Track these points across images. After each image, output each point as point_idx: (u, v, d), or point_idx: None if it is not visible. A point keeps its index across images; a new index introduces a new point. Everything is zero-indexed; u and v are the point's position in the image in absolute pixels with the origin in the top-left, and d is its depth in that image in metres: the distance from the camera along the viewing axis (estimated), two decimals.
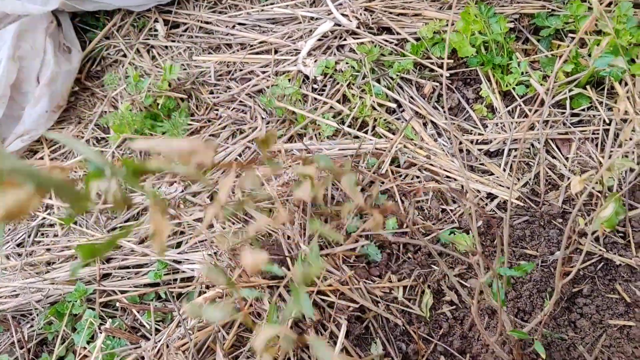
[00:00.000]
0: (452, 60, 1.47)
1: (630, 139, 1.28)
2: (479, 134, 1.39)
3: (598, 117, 1.31)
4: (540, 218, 1.26)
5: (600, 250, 1.19)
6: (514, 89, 1.36)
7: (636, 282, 1.16)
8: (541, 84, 1.34)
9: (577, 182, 1.15)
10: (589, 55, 1.32)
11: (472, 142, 1.39)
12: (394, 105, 1.46)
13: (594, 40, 1.30)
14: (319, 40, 1.58)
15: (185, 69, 1.65)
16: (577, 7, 1.33)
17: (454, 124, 1.41)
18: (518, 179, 1.32)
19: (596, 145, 1.30)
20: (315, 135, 1.45)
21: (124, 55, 1.76)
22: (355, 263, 1.23)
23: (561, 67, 1.33)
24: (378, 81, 1.50)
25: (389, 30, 1.58)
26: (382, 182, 1.36)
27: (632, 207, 1.22)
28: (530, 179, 1.31)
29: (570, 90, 1.34)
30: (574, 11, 1.33)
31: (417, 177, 1.36)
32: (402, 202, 1.34)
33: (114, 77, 1.64)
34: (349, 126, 1.45)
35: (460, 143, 1.38)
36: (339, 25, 1.58)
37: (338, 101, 1.50)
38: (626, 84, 1.32)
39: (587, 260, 1.19)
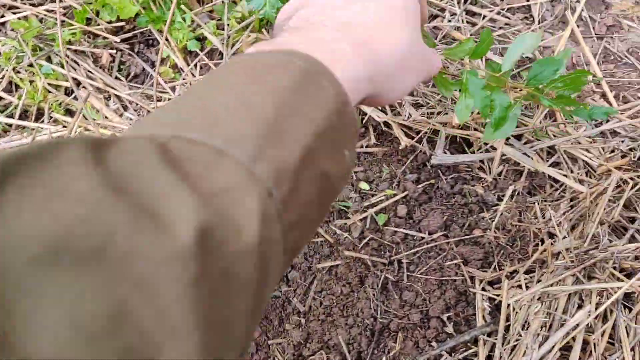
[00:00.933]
0: (124, 23, 1.32)
1: None
2: (169, 99, 1.27)
3: None
4: None
5: None
6: (186, 45, 1.26)
7: (334, 222, 1.16)
8: (216, 34, 1.25)
9: None
10: None
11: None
12: (69, 84, 1.28)
13: None
14: None
15: None
16: None
17: (138, 93, 1.27)
18: None
19: None
20: None
21: None
22: None
23: (232, 14, 1.25)
24: (49, 60, 1.30)
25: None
26: None
27: None
28: None
29: (248, 37, 1.27)
30: None
31: None
32: None
33: None
34: (21, 118, 1.25)
35: (149, 112, 1.26)
36: None
37: (5, 90, 1.28)
38: None
39: None
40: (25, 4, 1.35)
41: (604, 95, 1.22)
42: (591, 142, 1.15)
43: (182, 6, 1.25)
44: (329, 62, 0.40)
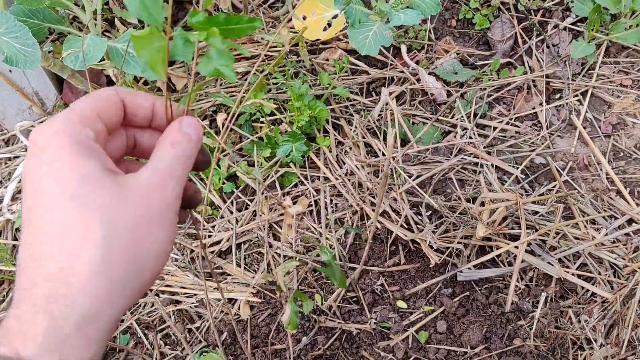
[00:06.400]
0: None
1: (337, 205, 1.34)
2: (209, 236, 1.36)
3: (307, 190, 1.36)
4: (281, 307, 1.26)
5: (339, 323, 1.22)
6: (222, 186, 1.36)
7: (377, 344, 1.21)
8: (248, 174, 1.35)
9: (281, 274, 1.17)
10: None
11: (204, 246, 1.35)
12: None
13: (274, 128, 1.34)
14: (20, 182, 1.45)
15: None
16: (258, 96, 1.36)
17: (180, 233, 1.37)
18: (254, 271, 1.31)
19: (313, 217, 1.34)
20: None
21: None
22: None
23: (261, 153, 1.35)
24: None
25: None
26: (121, 322, 1.27)
27: (353, 268, 1.27)
28: (265, 268, 1.31)
29: (277, 172, 1.37)
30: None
31: (153, 303, 1.29)
32: (146, 336, 1.27)
33: None
34: None
35: (192, 251, 1.35)
36: None
37: None
38: (324, 154, 1.38)
39: (331, 337, 1.22)
40: None
41: (619, 193, 1.28)
42: (613, 243, 1.20)
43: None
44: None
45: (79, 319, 0.39)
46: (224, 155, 1.32)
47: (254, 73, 1.52)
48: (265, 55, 1.55)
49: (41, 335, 0.38)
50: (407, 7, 1.20)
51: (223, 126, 1.30)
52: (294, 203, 1.30)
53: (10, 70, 1.43)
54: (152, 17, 0.42)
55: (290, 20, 1.37)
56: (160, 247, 0.43)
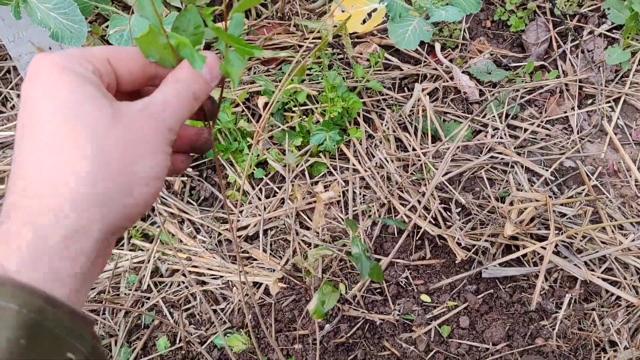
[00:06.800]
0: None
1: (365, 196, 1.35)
2: (238, 220, 1.38)
3: (336, 181, 1.37)
4: (305, 293, 1.28)
5: (362, 312, 1.24)
6: (252, 173, 1.38)
7: (400, 335, 1.22)
8: (278, 161, 1.37)
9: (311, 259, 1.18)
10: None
11: (235, 229, 1.37)
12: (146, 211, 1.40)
13: (308, 118, 1.36)
14: None
15: None
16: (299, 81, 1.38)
17: (209, 217, 1.39)
18: (280, 258, 1.33)
19: (340, 207, 1.35)
20: None
21: None
22: None
23: (292, 142, 1.37)
24: None
25: None
26: (147, 299, 1.30)
27: (378, 259, 1.28)
28: (290, 255, 1.32)
29: (306, 161, 1.38)
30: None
31: (183, 282, 1.31)
32: (172, 314, 1.29)
33: None
34: None
35: (220, 234, 1.36)
36: None
37: None
38: (354, 145, 1.40)
39: (354, 326, 1.23)
40: None
41: None
42: None
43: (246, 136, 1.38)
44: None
45: (66, 232, 0.38)
46: (258, 142, 1.34)
47: (287, 63, 1.54)
48: (299, 46, 1.57)
49: (25, 247, 0.37)
50: (447, 4, 1.21)
51: (264, 109, 1.31)
52: (326, 190, 1.31)
53: (50, 48, 1.46)
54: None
55: (333, 10, 1.39)
56: (150, 172, 0.42)
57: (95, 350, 0.38)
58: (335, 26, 1.12)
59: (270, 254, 1.33)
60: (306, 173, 1.38)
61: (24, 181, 0.39)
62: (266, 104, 1.28)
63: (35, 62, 0.42)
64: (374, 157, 1.38)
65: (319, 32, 1.41)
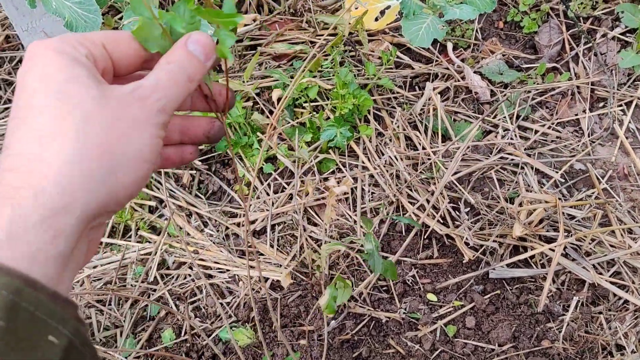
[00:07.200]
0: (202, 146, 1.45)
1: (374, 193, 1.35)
2: (244, 215, 1.38)
3: (345, 178, 1.37)
4: (311, 289, 1.28)
5: (368, 309, 1.24)
6: (262, 167, 1.38)
7: (405, 334, 1.22)
8: (287, 157, 1.37)
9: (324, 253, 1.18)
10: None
11: (238, 224, 1.37)
12: (153, 203, 1.40)
13: (318, 114, 1.36)
14: None
15: None
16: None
17: (217, 210, 1.39)
18: (287, 253, 1.33)
19: (348, 204, 1.35)
20: None
21: None
22: None
23: (302, 138, 1.37)
24: None
25: None
26: (154, 291, 1.30)
27: (386, 257, 1.28)
28: (297, 251, 1.32)
29: (315, 157, 1.38)
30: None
31: (189, 275, 1.31)
32: (177, 307, 1.29)
33: None
34: (110, 236, 1.37)
35: (227, 228, 1.37)
36: None
37: None
38: (364, 143, 1.39)
39: (360, 323, 1.23)
40: None
41: None
42: None
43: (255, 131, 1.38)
44: None
45: (45, 211, 0.37)
46: (271, 136, 1.34)
47: (298, 59, 1.54)
48: (311, 42, 1.57)
49: (4, 224, 0.36)
50: (462, 2, 1.20)
51: (278, 102, 1.31)
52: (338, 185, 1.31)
53: None
54: None
55: (351, 5, 1.39)
56: (137, 153, 0.41)
57: (78, 334, 0.37)
58: (349, 23, 1.12)
59: (277, 249, 1.33)
60: (315, 169, 1.38)
61: (7, 157, 0.39)
62: (279, 97, 1.28)
63: (31, 47, 0.42)
64: (383, 154, 1.38)
65: (334, 28, 1.41)
